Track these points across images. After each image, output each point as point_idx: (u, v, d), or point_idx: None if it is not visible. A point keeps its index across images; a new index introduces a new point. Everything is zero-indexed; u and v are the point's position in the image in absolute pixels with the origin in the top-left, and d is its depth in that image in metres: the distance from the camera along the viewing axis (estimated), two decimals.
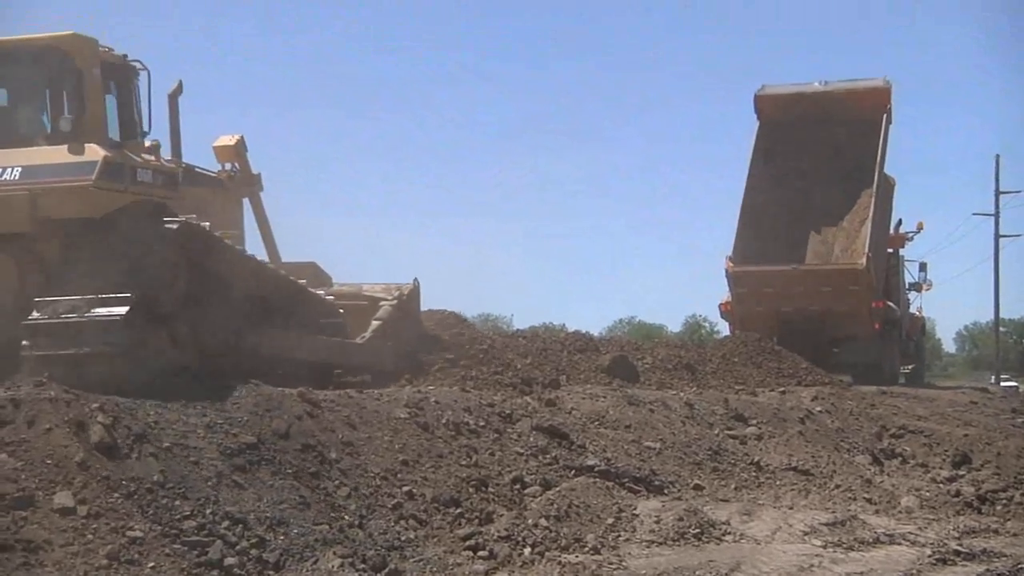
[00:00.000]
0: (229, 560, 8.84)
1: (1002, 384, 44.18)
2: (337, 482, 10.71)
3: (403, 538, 10.36)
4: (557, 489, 12.22)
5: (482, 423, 13.34)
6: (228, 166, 17.41)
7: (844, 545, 11.23)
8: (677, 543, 11.08)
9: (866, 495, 15.15)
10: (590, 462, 13.27)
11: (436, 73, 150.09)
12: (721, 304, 28.36)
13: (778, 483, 15.04)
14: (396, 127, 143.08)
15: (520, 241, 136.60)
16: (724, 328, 29.91)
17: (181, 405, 10.85)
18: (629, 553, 10.70)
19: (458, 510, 11.22)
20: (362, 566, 9.10)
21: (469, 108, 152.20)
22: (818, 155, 28.10)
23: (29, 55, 13.88)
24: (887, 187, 29.30)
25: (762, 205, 27.62)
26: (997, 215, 55.02)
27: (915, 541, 11.62)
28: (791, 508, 13.19)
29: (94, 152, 13.21)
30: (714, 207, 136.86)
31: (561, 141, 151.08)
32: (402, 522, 10.62)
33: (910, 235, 32.36)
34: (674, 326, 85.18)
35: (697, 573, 9.88)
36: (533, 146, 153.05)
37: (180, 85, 15.57)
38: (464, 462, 12.21)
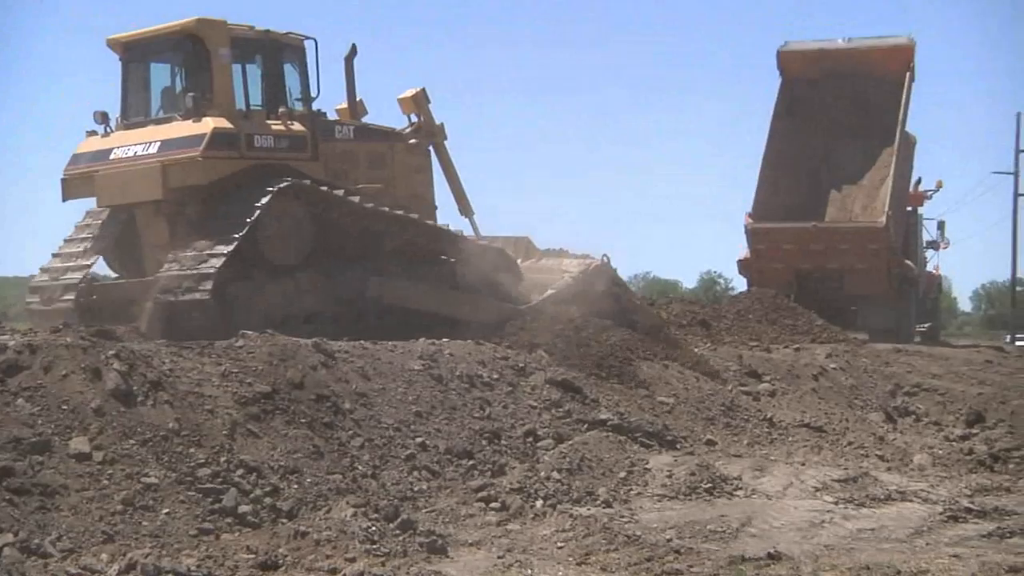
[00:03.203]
0: (243, 508, 8.91)
1: (1017, 343, 44.06)
2: (351, 432, 10.76)
3: (416, 489, 10.42)
4: (570, 442, 12.24)
5: (496, 376, 13.35)
6: (413, 118, 18.16)
7: (856, 501, 11.24)
8: (689, 497, 11.10)
9: (879, 452, 15.17)
10: (603, 416, 13.29)
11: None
12: (739, 260, 28.28)
13: (791, 439, 15.05)
14: None
15: (535, 192, 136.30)
16: (739, 284, 29.94)
17: (196, 353, 10.91)
18: (641, 507, 10.73)
19: (471, 462, 11.27)
20: (375, 516, 9.15)
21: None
22: (840, 112, 27.88)
23: (165, 42, 15.71)
24: (908, 145, 29.08)
25: (783, 161, 27.45)
26: (1016, 173, 54.45)
27: (927, 498, 11.63)
28: (803, 464, 13.20)
29: (205, 125, 14.73)
30: (732, 162, 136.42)
31: (572, 94, 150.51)
32: (415, 473, 10.67)
33: (929, 193, 32.14)
34: (689, 282, 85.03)
35: (708, 527, 9.90)
36: (548, 100, 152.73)
37: (354, 48, 16.87)
38: (477, 414, 12.25)
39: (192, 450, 9.28)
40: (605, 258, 18.92)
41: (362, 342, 13.09)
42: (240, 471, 9.31)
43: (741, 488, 11.52)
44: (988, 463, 14.94)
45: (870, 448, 15.31)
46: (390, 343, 13.32)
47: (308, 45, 16.16)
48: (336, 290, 15.33)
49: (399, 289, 15.95)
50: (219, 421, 9.82)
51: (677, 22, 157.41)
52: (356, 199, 15.79)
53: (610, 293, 18.41)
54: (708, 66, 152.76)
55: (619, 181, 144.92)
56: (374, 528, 8.88)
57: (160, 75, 16.10)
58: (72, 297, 15.34)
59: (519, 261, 18.60)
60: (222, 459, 9.33)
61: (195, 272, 13.93)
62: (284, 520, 9.03)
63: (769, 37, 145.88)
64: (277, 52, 16.05)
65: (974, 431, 16.61)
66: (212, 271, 13.87)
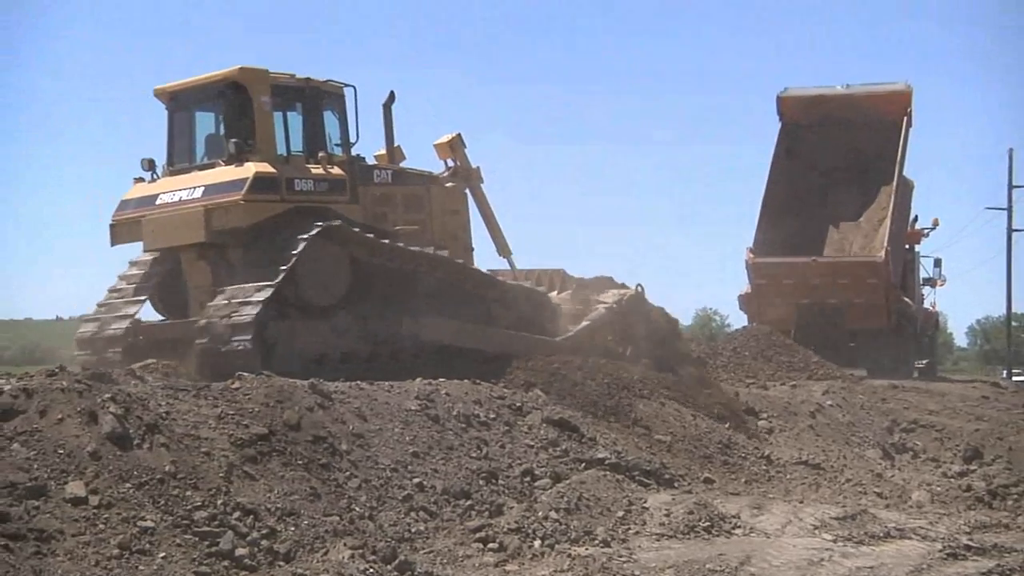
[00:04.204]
0: (240, 551, 8.86)
1: (1014, 379, 44.07)
2: (348, 473, 10.72)
3: (413, 530, 10.37)
4: (567, 482, 12.21)
5: (492, 415, 13.33)
6: (450, 162, 18.80)
7: (854, 539, 11.20)
8: (687, 536, 11.06)
9: (877, 489, 15.15)
10: (600, 455, 13.27)
11: None
12: (740, 295, 28.51)
13: (788, 477, 15.03)
14: None
15: (534, 232, 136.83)
16: (735, 322, 30.13)
17: (192, 396, 10.89)
18: (639, 546, 10.69)
19: (468, 502, 11.23)
20: (372, 558, 9.11)
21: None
22: (838, 156, 28.44)
23: (209, 90, 16.18)
24: (906, 189, 29.54)
25: (782, 202, 27.86)
26: (1010, 209, 54.48)
27: (926, 535, 11.59)
28: (801, 502, 13.17)
29: (247, 170, 15.18)
30: (728, 200, 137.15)
31: (579, 132, 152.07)
32: (412, 514, 10.63)
33: (926, 231, 32.57)
34: (685, 319, 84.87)
35: (707, 566, 9.86)
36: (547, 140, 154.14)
37: (392, 95, 17.47)
38: (474, 454, 12.22)
39: (188, 493, 9.23)
40: (639, 288, 19.51)
41: (359, 383, 13.07)
42: (237, 514, 9.26)
43: (739, 526, 11.49)
44: (987, 500, 14.94)
45: (868, 485, 15.29)
46: (387, 383, 13.30)
47: (347, 92, 16.67)
48: (372, 330, 15.76)
49: (434, 327, 16.36)
50: (215, 464, 9.78)
51: (674, 61, 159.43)
52: (393, 241, 16.28)
53: (644, 323, 19.03)
54: (713, 109, 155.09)
55: (614, 218, 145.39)
56: (372, 570, 8.84)
57: (204, 122, 16.65)
58: (120, 334, 15.88)
59: (555, 292, 19.20)
60: (219, 502, 9.28)
61: (236, 313, 14.30)
62: (281, 563, 8.98)
63: (767, 79, 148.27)
64: (317, 99, 16.51)
65: (972, 467, 16.61)
66: (253, 312, 14.23)
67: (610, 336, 18.43)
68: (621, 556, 10.20)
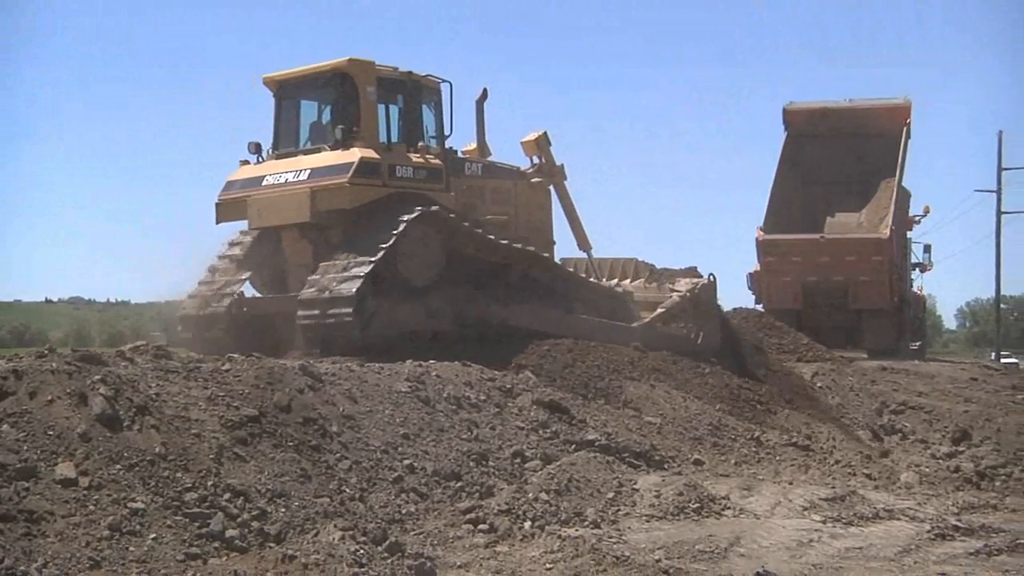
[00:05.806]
0: (230, 532, 8.86)
1: (1002, 361, 44.32)
2: (338, 455, 10.73)
3: (404, 511, 10.38)
4: (557, 463, 12.23)
5: (483, 397, 13.34)
6: (536, 159, 19.55)
7: (843, 520, 11.25)
8: (677, 517, 11.09)
9: (866, 471, 15.20)
10: (590, 437, 13.29)
11: None
12: (750, 273, 29.13)
13: (778, 458, 15.07)
14: None
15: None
16: (727, 303, 30.67)
17: (183, 377, 10.87)
18: (629, 527, 10.72)
19: (459, 484, 11.24)
20: (362, 539, 9.11)
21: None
22: (841, 166, 29.39)
23: (320, 79, 17.04)
24: (904, 196, 30.46)
25: (787, 208, 28.66)
26: (999, 191, 54.72)
27: (914, 516, 11.64)
28: (791, 483, 13.22)
29: (352, 155, 16.01)
30: (726, 184, 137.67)
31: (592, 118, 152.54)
32: (403, 495, 10.64)
33: (917, 218, 33.40)
34: None
35: (697, 547, 9.89)
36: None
37: (485, 92, 18.36)
38: (465, 436, 12.23)
39: (179, 474, 9.22)
40: (711, 277, 20.14)
41: (349, 364, 13.07)
42: (227, 495, 9.26)
43: (729, 508, 11.52)
44: (975, 481, 15.02)
45: (857, 466, 15.34)
46: (377, 365, 13.30)
47: (444, 87, 17.38)
48: (461, 311, 16.42)
49: (520, 313, 17.03)
50: (206, 445, 9.77)
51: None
52: (484, 231, 17.01)
53: (716, 310, 19.96)
54: (711, 104, 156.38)
55: (610, 198, 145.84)
56: (362, 551, 8.84)
57: (309, 110, 17.41)
58: (223, 312, 16.68)
59: (628, 281, 20.17)
60: (209, 483, 9.28)
61: (338, 286, 15.03)
62: (272, 544, 8.98)
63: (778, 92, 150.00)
64: (417, 92, 17.22)
65: (960, 449, 16.69)
66: (355, 286, 14.94)
67: (683, 323, 19.12)
68: (611, 537, 10.23)
